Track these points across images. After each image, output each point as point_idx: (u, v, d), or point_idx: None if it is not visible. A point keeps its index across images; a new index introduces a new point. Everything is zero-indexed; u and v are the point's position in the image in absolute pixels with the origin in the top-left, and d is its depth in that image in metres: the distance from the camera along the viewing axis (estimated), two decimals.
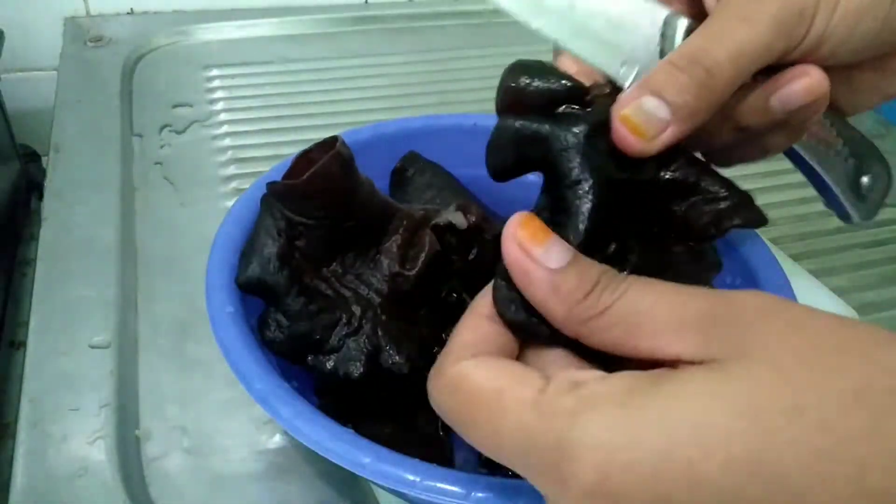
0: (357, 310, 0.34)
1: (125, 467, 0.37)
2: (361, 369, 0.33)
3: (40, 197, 0.54)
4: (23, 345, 0.44)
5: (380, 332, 0.34)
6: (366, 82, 0.68)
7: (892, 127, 0.68)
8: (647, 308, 0.20)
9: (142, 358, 0.43)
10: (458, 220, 0.36)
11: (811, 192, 0.61)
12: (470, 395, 0.20)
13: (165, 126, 0.61)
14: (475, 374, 0.21)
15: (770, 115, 0.26)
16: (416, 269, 0.35)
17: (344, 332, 0.34)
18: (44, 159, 0.75)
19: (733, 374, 0.18)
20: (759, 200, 0.62)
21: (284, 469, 0.38)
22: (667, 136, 0.24)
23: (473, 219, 0.36)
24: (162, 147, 0.59)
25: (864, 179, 0.30)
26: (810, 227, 0.56)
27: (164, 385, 0.41)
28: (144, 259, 0.49)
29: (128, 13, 0.76)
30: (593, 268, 0.21)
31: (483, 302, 0.24)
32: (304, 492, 0.37)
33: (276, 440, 0.39)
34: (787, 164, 0.66)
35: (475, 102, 0.65)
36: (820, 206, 0.59)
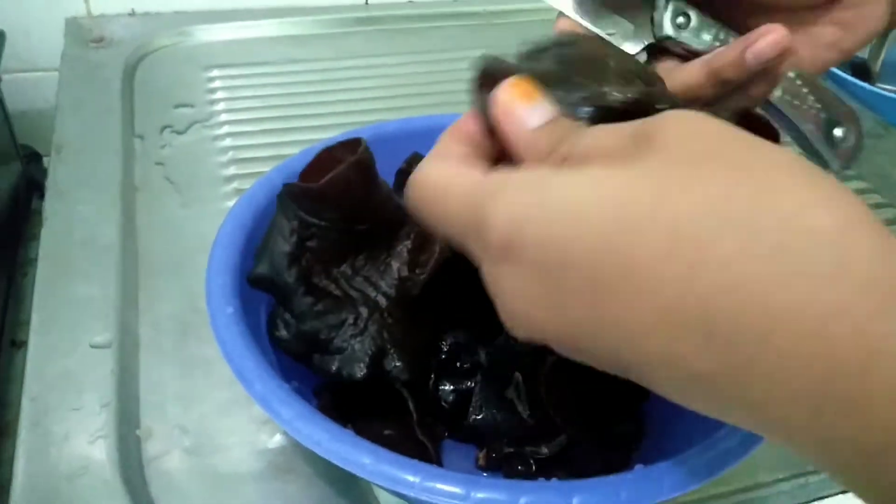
0: (364, 311, 0.34)
1: (126, 466, 0.37)
2: (365, 371, 0.33)
3: (42, 197, 0.55)
4: (24, 344, 0.44)
5: (385, 335, 0.34)
6: (366, 83, 0.69)
7: (892, 128, 0.68)
8: (594, 143, 0.23)
9: (142, 358, 0.43)
10: None
11: None
12: (428, 188, 0.26)
13: (166, 126, 0.61)
14: (433, 172, 0.26)
15: (746, 67, 0.32)
16: (426, 275, 0.35)
17: (350, 333, 0.34)
18: (45, 159, 0.76)
19: (620, 169, 0.21)
20: None
21: (284, 468, 0.38)
22: None
23: None
24: (163, 147, 0.59)
25: (837, 131, 0.35)
26: None
27: (165, 385, 0.41)
28: (145, 259, 0.49)
29: (129, 14, 0.76)
30: (562, 126, 0.25)
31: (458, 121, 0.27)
32: (304, 491, 0.37)
33: (277, 440, 0.39)
34: None
35: None
36: None
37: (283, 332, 0.34)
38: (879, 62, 0.76)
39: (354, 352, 0.33)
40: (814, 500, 0.39)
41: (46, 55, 0.74)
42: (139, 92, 0.65)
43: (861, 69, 0.76)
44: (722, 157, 0.20)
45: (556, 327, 0.22)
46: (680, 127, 0.21)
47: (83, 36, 0.72)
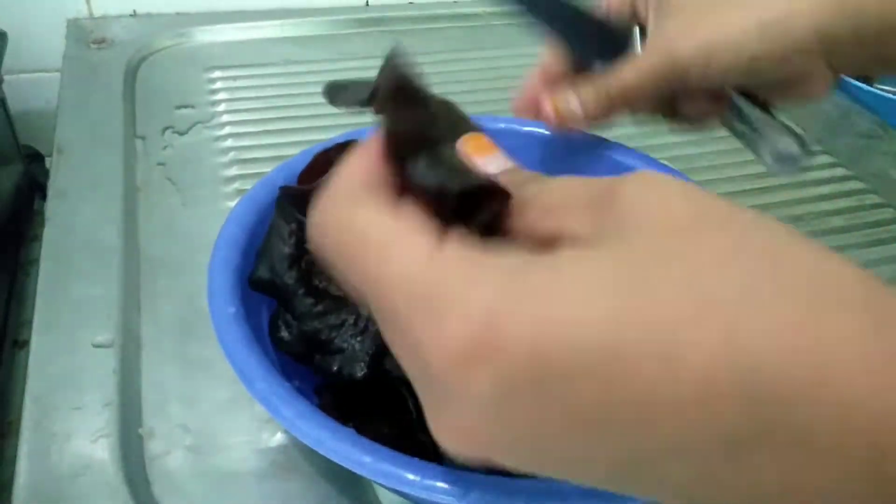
0: (364, 311, 0.34)
1: (128, 465, 0.37)
2: (365, 370, 0.33)
3: (44, 197, 0.55)
4: (26, 344, 0.44)
5: None
6: None
7: (890, 129, 0.68)
8: (555, 195, 0.22)
9: (144, 357, 0.43)
10: None
11: (809, 192, 0.62)
12: (361, 236, 0.20)
13: (168, 127, 0.61)
14: (370, 216, 0.21)
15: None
16: None
17: (350, 333, 0.34)
18: (47, 160, 0.76)
19: (611, 247, 0.19)
20: (757, 201, 0.63)
21: (286, 467, 0.38)
22: (575, 124, 0.39)
23: None
24: (164, 148, 0.59)
25: (781, 148, 0.39)
26: (808, 228, 0.56)
27: (167, 384, 0.42)
28: (147, 259, 0.49)
29: (130, 15, 0.76)
30: (521, 174, 0.25)
31: (376, 142, 0.23)
32: (305, 489, 0.37)
33: (278, 438, 0.39)
34: None
35: (475, 104, 0.65)
36: (818, 206, 0.60)
37: (284, 334, 0.35)
38: None
39: (355, 351, 0.34)
40: None
41: (48, 56, 0.74)
42: (140, 93, 0.66)
43: None
44: (708, 219, 0.19)
45: (523, 442, 0.19)
46: (647, 198, 0.20)
47: (84, 37, 0.72)
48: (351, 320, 0.34)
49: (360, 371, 0.33)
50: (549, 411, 0.17)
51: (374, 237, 0.20)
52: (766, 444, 0.16)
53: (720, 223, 0.19)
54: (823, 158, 0.64)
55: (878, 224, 0.57)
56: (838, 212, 0.58)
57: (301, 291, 0.34)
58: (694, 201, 0.19)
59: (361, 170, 0.22)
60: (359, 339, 0.34)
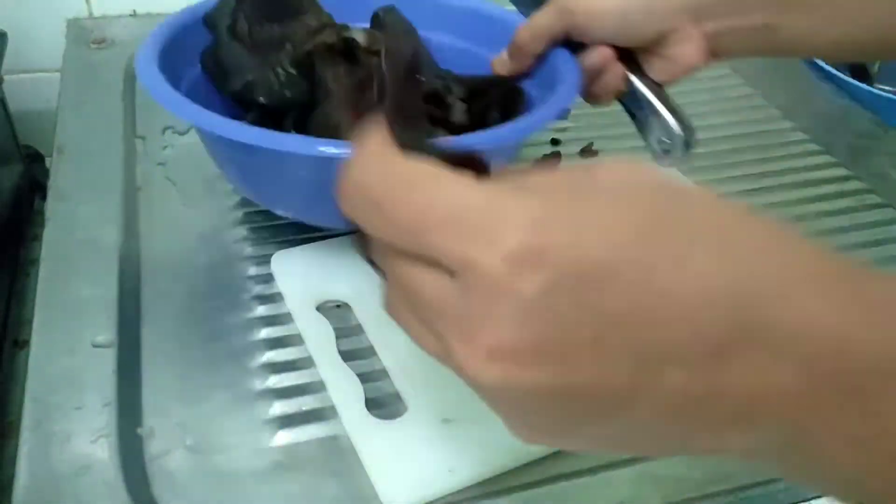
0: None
1: (128, 465, 0.37)
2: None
3: (44, 197, 0.55)
4: (26, 344, 0.44)
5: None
6: None
7: (889, 128, 0.68)
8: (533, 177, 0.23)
9: (144, 357, 0.43)
10: (361, 38, 0.49)
11: (809, 192, 0.62)
12: (406, 171, 0.22)
13: (168, 127, 0.61)
14: (409, 164, 0.22)
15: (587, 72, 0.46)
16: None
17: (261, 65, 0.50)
18: (47, 160, 0.76)
19: (617, 195, 0.21)
20: (757, 200, 0.62)
21: (286, 467, 0.38)
22: (505, 68, 0.50)
23: (372, 46, 0.49)
24: (164, 148, 0.59)
25: (664, 138, 0.45)
26: (808, 228, 0.56)
27: (167, 384, 0.42)
28: (147, 259, 0.49)
29: (130, 15, 0.76)
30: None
31: (381, 126, 0.24)
32: (304, 489, 0.37)
33: (278, 438, 0.39)
34: (782, 164, 0.66)
35: None
36: (818, 206, 0.60)
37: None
38: (877, 63, 0.76)
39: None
40: (812, 499, 0.39)
41: (48, 56, 0.74)
42: (140, 92, 0.66)
43: (859, 70, 0.76)
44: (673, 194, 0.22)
45: (551, 351, 0.20)
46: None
47: (84, 37, 0.72)
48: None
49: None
50: (582, 313, 0.20)
51: (422, 176, 0.22)
52: (743, 346, 0.20)
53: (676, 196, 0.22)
54: (823, 158, 0.64)
55: (877, 224, 0.57)
56: (838, 212, 0.58)
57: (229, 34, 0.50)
58: (653, 174, 0.22)
59: (381, 139, 0.24)
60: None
